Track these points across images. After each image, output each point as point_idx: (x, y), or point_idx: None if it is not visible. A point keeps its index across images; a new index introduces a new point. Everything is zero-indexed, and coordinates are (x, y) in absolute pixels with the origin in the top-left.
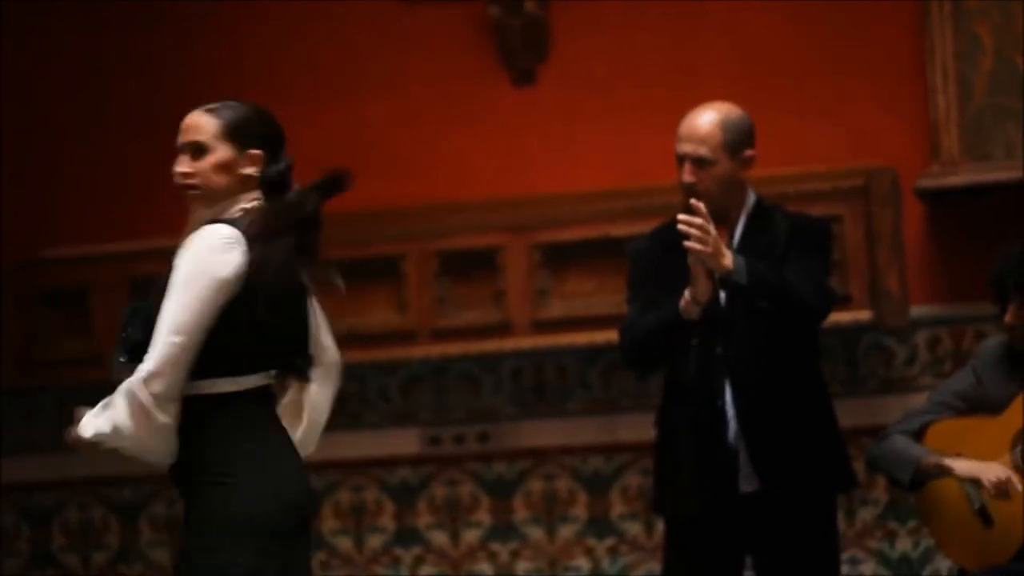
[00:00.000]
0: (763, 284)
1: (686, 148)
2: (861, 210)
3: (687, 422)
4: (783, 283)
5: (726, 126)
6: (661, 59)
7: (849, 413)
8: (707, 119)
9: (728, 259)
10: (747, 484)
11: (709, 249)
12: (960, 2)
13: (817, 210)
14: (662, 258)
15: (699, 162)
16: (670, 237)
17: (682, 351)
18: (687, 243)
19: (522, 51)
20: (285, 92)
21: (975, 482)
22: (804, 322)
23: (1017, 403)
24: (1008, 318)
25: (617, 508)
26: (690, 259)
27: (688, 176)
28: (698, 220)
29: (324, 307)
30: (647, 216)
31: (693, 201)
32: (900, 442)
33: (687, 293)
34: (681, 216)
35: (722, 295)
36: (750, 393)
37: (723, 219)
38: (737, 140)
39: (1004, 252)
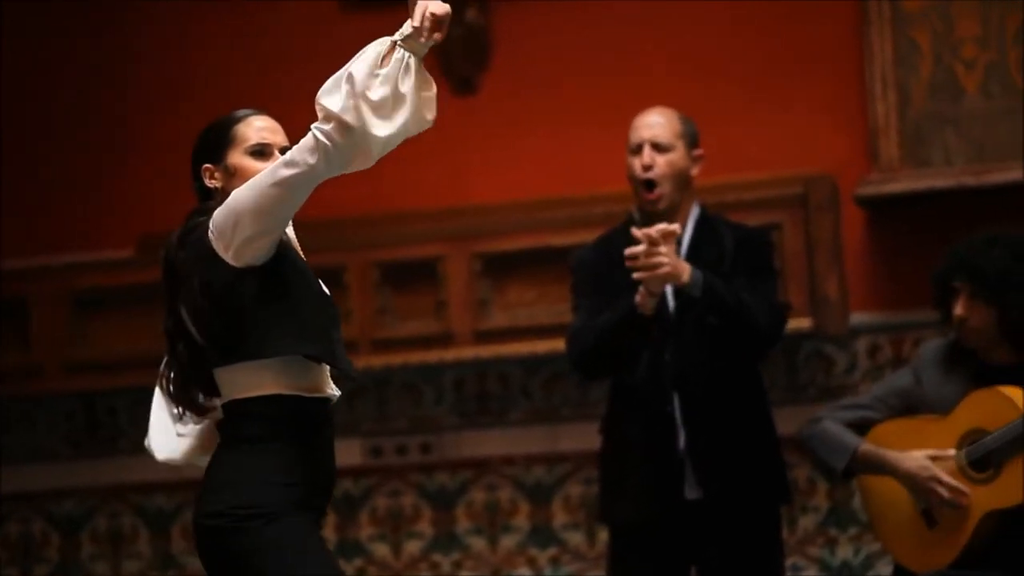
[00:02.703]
0: (717, 301)
1: (644, 133)
2: (800, 217)
3: (637, 429)
4: (739, 304)
5: (682, 119)
6: (602, 67)
7: (790, 421)
8: (665, 110)
9: (686, 274)
10: (692, 492)
11: (665, 270)
12: (899, 9)
13: (757, 218)
14: (607, 267)
15: (658, 147)
16: (614, 246)
17: (631, 357)
18: (637, 275)
19: (462, 60)
20: (223, 98)
21: (915, 487)
22: (754, 345)
23: (964, 404)
24: (959, 310)
25: (559, 518)
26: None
27: (647, 158)
28: (641, 248)
29: None
30: (589, 225)
31: (634, 230)
32: (835, 428)
33: (641, 287)
34: (628, 251)
35: (671, 302)
36: (698, 400)
37: (670, 224)
38: (692, 134)
39: (949, 250)
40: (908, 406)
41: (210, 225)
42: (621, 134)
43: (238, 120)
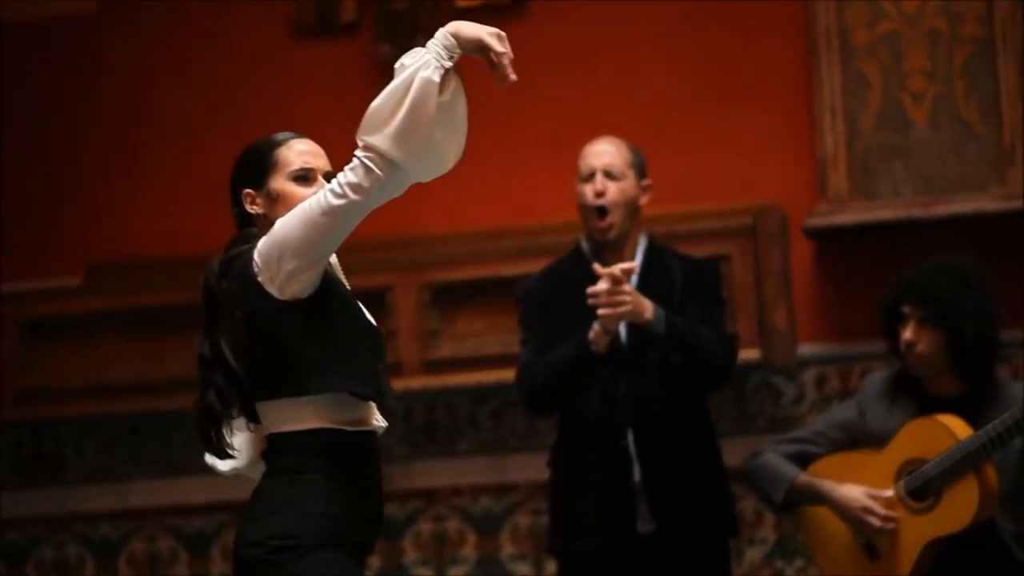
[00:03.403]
0: (679, 339)
1: (596, 162)
2: (749, 248)
3: (590, 462)
4: (698, 341)
5: (632, 149)
6: (552, 98)
7: (738, 452)
8: (615, 140)
9: (648, 311)
10: (645, 525)
11: (628, 308)
12: (848, 41)
13: (706, 249)
14: (555, 298)
15: (610, 175)
16: (561, 277)
17: (584, 389)
18: (601, 312)
19: None
20: (173, 126)
21: (849, 518)
22: (711, 380)
23: (901, 435)
24: (908, 335)
25: (507, 548)
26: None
27: (599, 185)
28: (604, 287)
29: None
30: (538, 256)
31: (597, 267)
32: (775, 460)
33: (596, 325)
34: (591, 289)
35: (624, 335)
36: (652, 434)
37: (619, 253)
38: (641, 164)
39: (897, 276)
40: (852, 439)
41: (254, 256)
42: (571, 164)
43: (279, 144)
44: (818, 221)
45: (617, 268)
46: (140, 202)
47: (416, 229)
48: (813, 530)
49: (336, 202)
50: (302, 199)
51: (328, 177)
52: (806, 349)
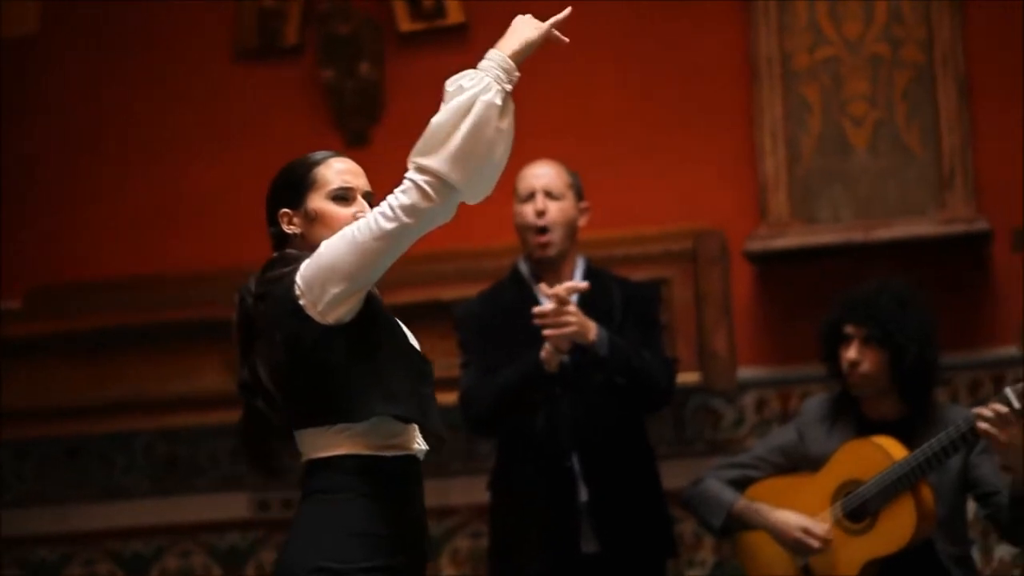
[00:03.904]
0: (623, 360)
1: (536, 182)
2: (690, 272)
3: (534, 483)
4: (641, 363)
5: (569, 171)
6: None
7: (678, 475)
8: (552, 162)
9: (592, 332)
10: (589, 545)
11: (573, 328)
12: (789, 65)
13: (646, 272)
14: (495, 321)
15: (549, 195)
16: (500, 299)
17: (530, 409)
18: (547, 332)
19: (355, 113)
20: (112, 149)
21: (786, 542)
22: (653, 401)
23: (837, 456)
24: (852, 354)
25: (447, 571)
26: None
27: (540, 204)
28: (550, 307)
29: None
30: (476, 279)
31: (543, 287)
32: (714, 486)
33: (547, 344)
34: (537, 309)
35: (566, 357)
36: (597, 455)
37: (557, 275)
38: (578, 186)
39: (839, 297)
40: (792, 463)
41: (296, 279)
42: (510, 188)
43: (318, 162)
44: (758, 245)
45: (563, 288)
46: (79, 226)
47: None
48: (750, 554)
49: (388, 226)
50: (342, 219)
51: (367, 197)
52: (746, 372)
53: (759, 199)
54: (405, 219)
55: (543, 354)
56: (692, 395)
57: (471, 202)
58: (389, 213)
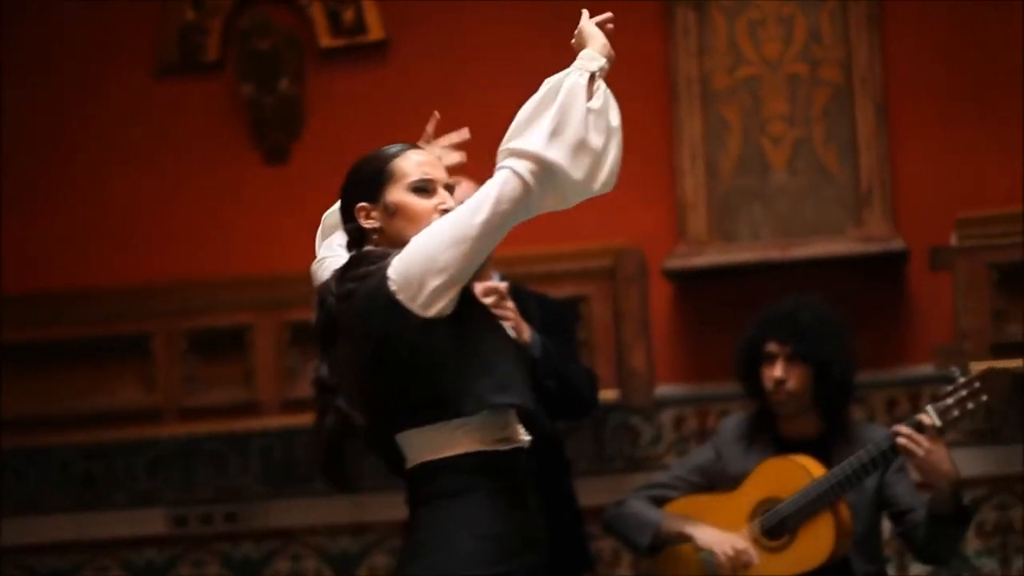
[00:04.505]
0: (552, 364)
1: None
2: (609, 290)
3: None
4: (568, 370)
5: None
6: (413, 137)
7: (595, 492)
8: (469, 181)
9: (526, 332)
10: None
11: (512, 323)
12: (708, 85)
13: (565, 290)
14: None
15: None
16: None
17: None
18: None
19: (275, 128)
20: (35, 165)
21: (712, 553)
22: (578, 410)
23: (756, 474)
24: (778, 373)
25: None
26: None
27: None
28: (489, 300)
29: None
30: None
31: (480, 284)
32: (638, 506)
33: None
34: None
35: None
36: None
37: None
38: None
39: (757, 316)
40: (710, 481)
41: (389, 274)
42: None
43: (395, 154)
44: (677, 263)
45: (500, 284)
46: (10, 241)
47: (275, 268)
48: (670, 570)
49: (484, 215)
50: (423, 212)
51: (449, 188)
52: (664, 390)
53: (678, 217)
54: (502, 207)
55: None
56: (611, 413)
57: (584, 193)
58: (485, 202)
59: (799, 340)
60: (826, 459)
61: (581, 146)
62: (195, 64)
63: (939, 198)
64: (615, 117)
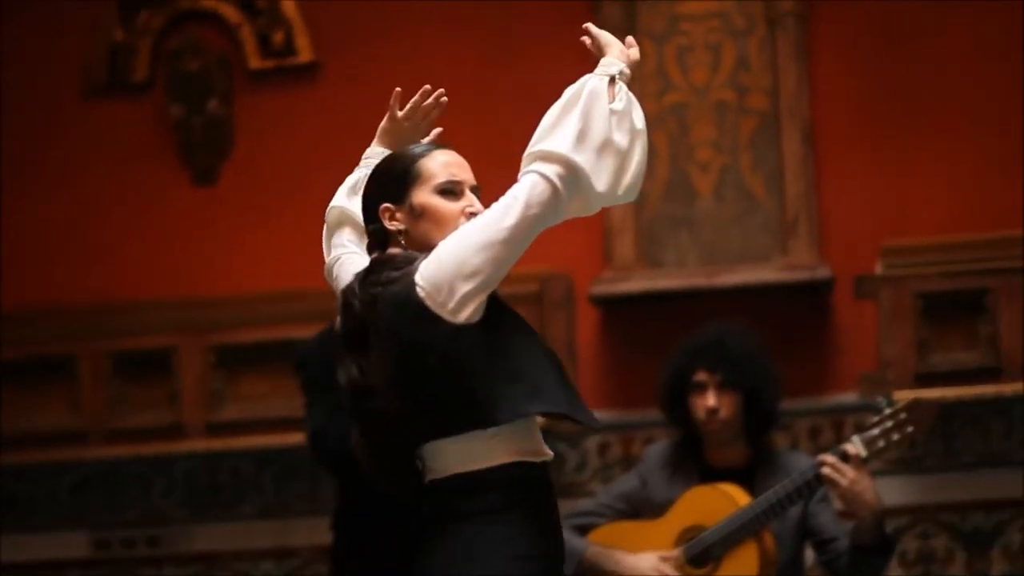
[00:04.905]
0: None
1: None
2: (535, 315)
3: (388, 522)
4: None
5: None
6: (342, 160)
7: None
8: None
9: None
10: None
11: None
12: (661, 101)
13: None
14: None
15: None
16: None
17: None
18: None
19: (204, 149)
20: None
21: None
22: None
23: (681, 502)
24: (710, 402)
25: None
26: None
27: None
28: None
29: None
30: (323, 319)
31: None
32: (564, 535)
33: None
34: None
35: None
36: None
37: None
38: None
39: (682, 346)
40: (635, 509)
41: (417, 280)
42: None
43: (421, 155)
44: (604, 289)
45: None
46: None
47: (201, 291)
48: None
49: (513, 219)
50: (450, 214)
51: (475, 191)
52: None
53: (605, 243)
54: (531, 211)
55: None
56: None
57: (608, 198)
58: (514, 206)
59: (729, 368)
60: (751, 487)
61: (606, 146)
62: (124, 84)
63: (865, 227)
64: (639, 119)
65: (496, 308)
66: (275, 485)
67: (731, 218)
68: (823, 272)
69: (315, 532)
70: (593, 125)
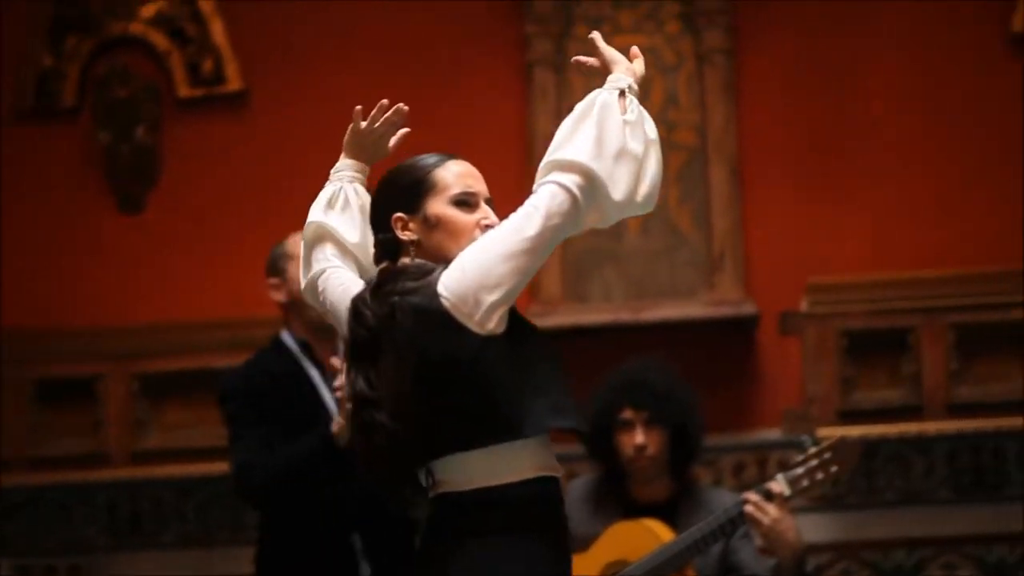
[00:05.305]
0: None
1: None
2: None
3: (314, 558)
4: None
5: None
6: (267, 188)
7: None
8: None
9: None
10: None
11: None
12: None
13: None
14: (265, 393)
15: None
16: (268, 371)
17: (314, 485)
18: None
19: (131, 177)
20: None
21: None
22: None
23: (605, 537)
24: (639, 439)
25: None
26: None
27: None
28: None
29: None
30: (248, 348)
31: (334, 360)
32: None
33: (338, 418)
34: (338, 383)
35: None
36: (378, 530)
37: (330, 344)
38: None
39: (606, 383)
40: None
41: (441, 291)
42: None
43: (435, 165)
44: None
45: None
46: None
47: (127, 319)
48: None
49: (535, 230)
50: (466, 226)
51: (488, 202)
52: None
53: (532, 278)
54: (552, 221)
55: (334, 428)
56: None
57: (626, 208)
58: (535, 216)
59: (655, 405)
60: (674, 523)
61: (622, 155)
62: (52, 110)
63: (790, 264)
64: (652, 130)
65: (516, 320)
66: (197, 514)
67: (658, 253)
68: (749, 308)
69: (237, 562)
70: (608, 135)
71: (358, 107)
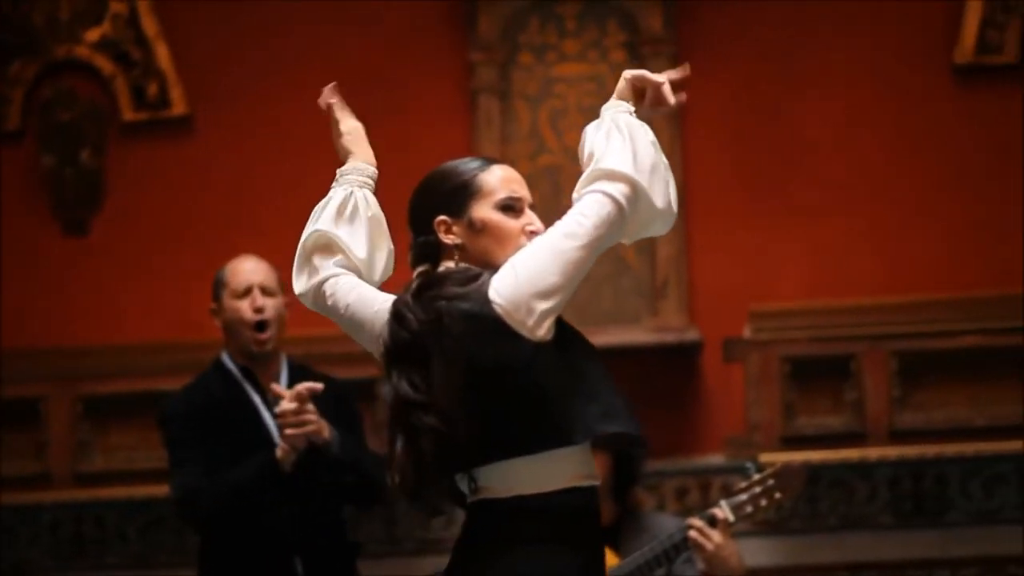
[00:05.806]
0: (353, 461)
1: (253, 278)
2: None
3: None
4: (363, 460)
5: (274, 268)
6: (213, 211)
7: (389, 570)
8: (260, 259)
9: (327, 430)
10: None
11: (313, 427)
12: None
13: (362, 371)
14: (206, 417)
15: (265, 291)
16: (209, 395)
17: (257, 510)
18: (289, 431)
19: (75, 201)
20: None
21: None
22: (373, 500)
23: None
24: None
25: None
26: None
27: (259, 301)
28: (292, 406)
29: None
30: (192, 371)
31: (275, 387)
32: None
33: (282, 443)
34: (279, 408)
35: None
36: (319, 552)
37: (267, 369)
38: (282, 283)
39: None
40: None
41: (493, 297)
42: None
43: (479, 168)
44: None
45: (303, 387)
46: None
47: (70, 340)
48: None
49: (585, 239)
50: (512, 232)
51: (532, 208)
52: None
53: None
54: (600, 230)
55: (279, 453)
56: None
57: (669, 216)
58: (584, 223)
59: None
60: (616, 547)
61: (656, 167)
62: None
63: (733, 291)
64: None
65: (561, 326)
66: (141, 536)
67: (601, 279)
68: (692, 335)
69: None
70: (640, 148)
71: (328, 102)
